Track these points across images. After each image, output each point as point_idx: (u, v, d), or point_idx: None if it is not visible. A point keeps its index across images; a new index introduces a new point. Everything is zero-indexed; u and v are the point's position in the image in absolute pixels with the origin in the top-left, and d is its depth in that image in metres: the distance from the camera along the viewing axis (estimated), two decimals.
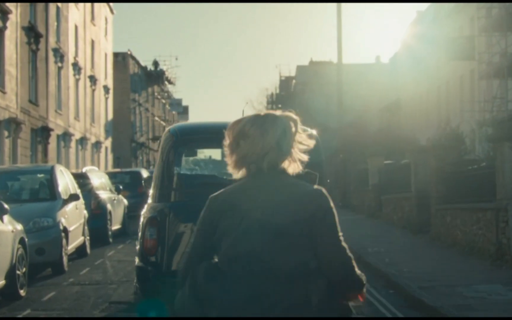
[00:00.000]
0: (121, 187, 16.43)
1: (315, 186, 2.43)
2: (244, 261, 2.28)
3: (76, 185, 12.53)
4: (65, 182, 11.73)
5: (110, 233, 14.41)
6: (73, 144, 37.63)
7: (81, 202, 12.27)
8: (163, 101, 69.76)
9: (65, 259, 10.61)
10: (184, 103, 71.38)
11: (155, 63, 62.95)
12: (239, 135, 2.35)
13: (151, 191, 5.93)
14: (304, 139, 2.42)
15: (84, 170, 14.66)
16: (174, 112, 74.07)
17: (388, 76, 49.37)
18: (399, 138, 35.69)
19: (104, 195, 14.64)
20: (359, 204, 22.19)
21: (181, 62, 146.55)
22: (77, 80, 38.83)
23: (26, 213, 10.24)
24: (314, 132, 5.76)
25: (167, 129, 6.02)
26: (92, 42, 42.82)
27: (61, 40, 34.98)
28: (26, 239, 9.02)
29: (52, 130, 32.87)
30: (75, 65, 38.13)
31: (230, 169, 2.40)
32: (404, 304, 8.44)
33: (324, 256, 2.38)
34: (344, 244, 2.47)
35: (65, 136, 36.11)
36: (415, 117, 42.00)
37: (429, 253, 12.22)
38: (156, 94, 65.20)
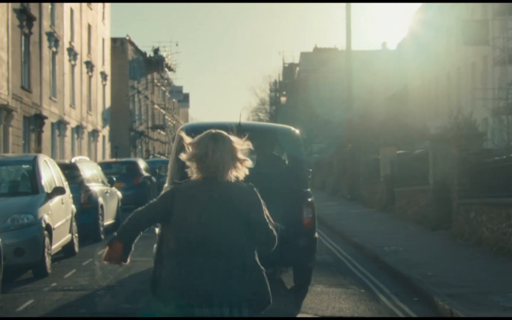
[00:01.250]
0: (114, 178, 15.22)
1: (247, 184, 3.38)
2: (201, 241, 3.28)
3: (62, 177, 11.33)
4: (49, 174, 10.53)
5: (101, 229, 13.22)
6: (68, 132, 36.41)
7: (68, 195, 11.07)
8: (163, 88, 68.46)
9: (47, 260, 9.42)
10: (184, 91, 69.97)
11: (156, 50, 61.60)
12: (203, 154, 3.34)
13: (167, 177, 7.74)
14: (242, 157, 3.39)
15: (73, 160, 13.42)
16: (174, 100, 72.81)
17: (395, 63, 48.10)
18: (408, 127, 34.50)
19: (95, 187, 13.43)
20: (370, 197, 20.98)
21: (181, 48, 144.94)
22: (72, 66, 37.55)
23: (3, 209, 9.13)
24: (297, 131, 8.11)
25: (180, 127, 7.37)
26: (89, 26, 41.49)
27: (56, 24, 33.66)
28: (0, 239, 7.86)
29: (46, 118, 31.66)
30: (71, 50, 36.84)
31: (191, 169, 3.40)
32: (433, 315, 7.29)
33: (255, 229, 3.35)
34: (271, 223, 3.38)
35: (60, 124, 34.89)
36: (423, 105, 40.82)
37: (453, 252, 11.04)
38: (155, 81, 63.89)
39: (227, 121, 7.46)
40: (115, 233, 3.58)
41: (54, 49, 33.52)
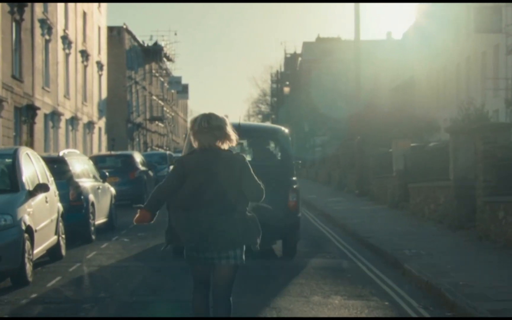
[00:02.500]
0: (107, 173, 14.07)
1: (237, 153, 4.58)
2: (204, 197, 4.40)
3: (48, 173, 10.18)
4: (32, 169, 9.38)
5: (92, 228, 12.09)
6: (62, 124, 35.22)
7: (53, 193, 9.92)
8: (162, 79, 67.15)
9: (28, 266, 8.28)
10: (183, 81, 68.85)
11: (154, 43, 60.28)
12: (199, 128, 4.49)
13: None
14: (231, 132, 4.55)
15: (61, 153, 12.24)
16: (173, 91, 71.55)
17: (401, 53, 46.89)
18: (416, 118, 33.37)
19: (86, 183, 12.28)
20: (380, 193, 19.84)
21: (180, 37, 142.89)
22: (67, 55, 36.32)
23: None
24: (286, 130, 10.36)
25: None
26: (84, 14, 40.20)
27: (49, 10, 32.40)
28: None
29: (38, 108, 30.46)
30: (65, 38, 35.59)
31: (192, 143, 4.54)
32: None
33: (248, 189, 4.48)
34: (259, 182, 4.52)
35: (54, 116, 33.70)
36: (431, 96, 39.69)
37: (482, 256, 9.92)
38: (153, 71, 62.60)
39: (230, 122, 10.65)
40: (145, 204, 4.60)
41: (47, 37, 32.28)
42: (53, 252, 9.93)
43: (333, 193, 25.77)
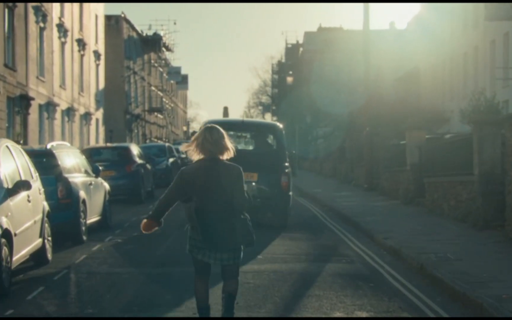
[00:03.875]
0: (100, 167, 12.97)
1: (234, 164, 5.09)
2: (206, 209, 4.99)
3: (32, 168, 9.11)
4: (12, 165, 8.31)
5: (84, 228, 11.01)
6: (58, 115, 34.10)
7: (37, 191, 8.86)
8: (161, 69, 65.93)
9: (5, 276, 7.22)
10: (183, 72, 67.65)
11: (154, 33, 59.05)
12: (204, 139, 5.03)
13: None
14: (230, 145, 5.08)
15: (49, 146, 11.13)
16: (172, 82, 70.37)
17: (404, 43, 45.77)
18: (424, 109, 32.34)
19: (76, 178, 11.19)
20: (391, 187, 18.76)
21: (180, 26, 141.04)
22: (62, 44, 35.15)
23: None
24: (280, 126, 13.30)
25: (203, 122, 10.01)
26: (81, 1, 38.96)
27: None
28: None
29: (32, 99, 29.33)
30: (60, 26, 34.42)
31: (193, 154, 5.08)
32: None
33: (237, 198, 5.04)
34: (246, 193, 5.11)
35: (49, 106, 32.58)
36: (436, 87, 38.63)
37: None
38: (152, 61, 61.36)
39: (234, 118, 16.04)
40: (150, 213, 5.22)
41: (41, 24, 31.12)
42: (37, 257, 8.88)
43: (339, 187, 24.68)
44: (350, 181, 25.84)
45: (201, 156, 5.00)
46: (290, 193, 12.63)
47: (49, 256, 9.16)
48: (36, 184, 8.91)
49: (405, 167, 16.83)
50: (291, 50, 61.81)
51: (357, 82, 43.32)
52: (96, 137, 42.68)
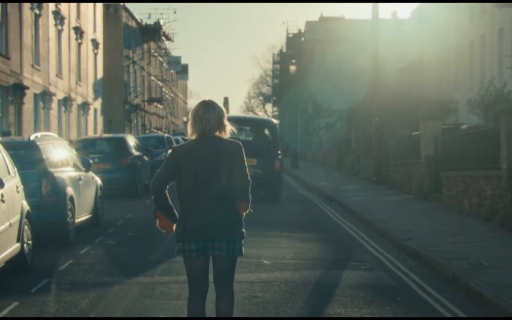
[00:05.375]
0: (91, 161, 11.88)
1: (235, 141, 4.36)
2: (198, 188, 4.27)
3: (9, 163, 8.04)
4: None
5: (71, 228, 9.94)
6: (54, 105, 32.99)
7: (13, 189, 7.79)
8: (160, 59, 64.71)
9: None
10: (183, 61, 66.18)
11: (155, 21, 57.85)
12: (195, 115, 4.36)
13: None
14: (228, 124, 4.39)
15: (32, 137, 10.03)
16: (172, 71, 69.17)
17: (407, 33, 44.78)
18: (429, 100, 31.26)
19: (63, 173, 10.11)
20: (403, 181, 17.67)
21: (180, 15, 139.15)
22: (59, 31, 33.99)
23: None
24: (275, 121, 19.71)
25: None
26: None
27: None
28: None
29: (27, 88, 28.21)
30: (57, 13, 33.25)
31: (190, 132, 4.39)
32: None
33: (236, 178, 4.29)
34: (248, 173, 4.34)
35: (45, 96, 31.46)
36: (441, 77, 37.68)
37: None
38: (152, 51, 60.14)
39: (236, 115, 19.46)
40: (155, 207, 4.42)
41: (36, 11, 29.94)
42: (15, 263, 7.81)
43: (346, 180, 23.60)
44: (356, 174, 24.77)
45: (196, 135, 4.36)
46: (282, 174, 16.33)
47: (30, 261, 8.10)
48: (14, 182, 7.85)
49: (418, 159, 15.74)
50: (293, 40, 60.81)
51: (360, 72, 42.33)
52: (95, 127, 41.61)
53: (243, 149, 4.34)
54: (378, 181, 19.84)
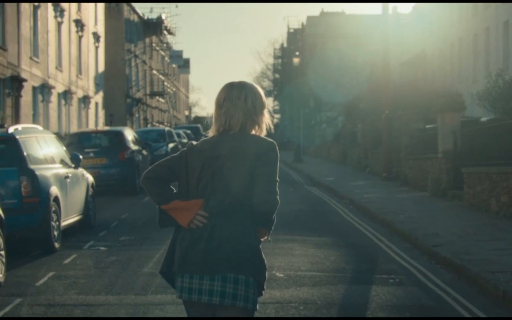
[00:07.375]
0: (81, 157, 10.75)
1: (268, 139, 2.94)
2: (200, 197, 2.94)
3: None
4: None
5: (56, 233, 8.82)
6: (54, 98, 31.95)
7: None
8: (162, 53, 63.66)
9: None
10: (185, 56, 65.36)
11: (157, 15, 56.74)
12: (216, 104, 3.03)
13: None
14: (264, 113, 3.03)
15: (11, 130, 8.88)
16: (174, 65, 68.15)
17: (408, 27, 44.07)
18: (435, 93, 30.17)
19: (47, 171, 8.99)
20: (417, 177, 16.49)
21: (181, 10, 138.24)
22: (59, 24, 32.93)
23: None
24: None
25: None
26: None
27: None
28: None
29: (25, 80, 27.18)
30: (56, 6, 32.19)
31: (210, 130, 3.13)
32: None
33: (257, 192, 2.86)
34: (276, 188, 2.90)
35: (44, 89, 30.42)
36: (445, 70, 36.90)
37: None
38: (154, 45, 59.09)
39: None
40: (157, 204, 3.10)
41: (35, 2, 28.86)
42: None
43: (353, 175, 22.40)
44: (363, 169, 23.60)
45: (215, 130, 3.05)
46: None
47: (1, 276, 6.99)
48: None
49: (435, 154, 14.55)
50: (294, 35, 60.18)
51: (360, 67, 41.51)
52: (96, 121, 40.64)
53: (277, 152, 2.95)
54: (389, 177, 18.66)
